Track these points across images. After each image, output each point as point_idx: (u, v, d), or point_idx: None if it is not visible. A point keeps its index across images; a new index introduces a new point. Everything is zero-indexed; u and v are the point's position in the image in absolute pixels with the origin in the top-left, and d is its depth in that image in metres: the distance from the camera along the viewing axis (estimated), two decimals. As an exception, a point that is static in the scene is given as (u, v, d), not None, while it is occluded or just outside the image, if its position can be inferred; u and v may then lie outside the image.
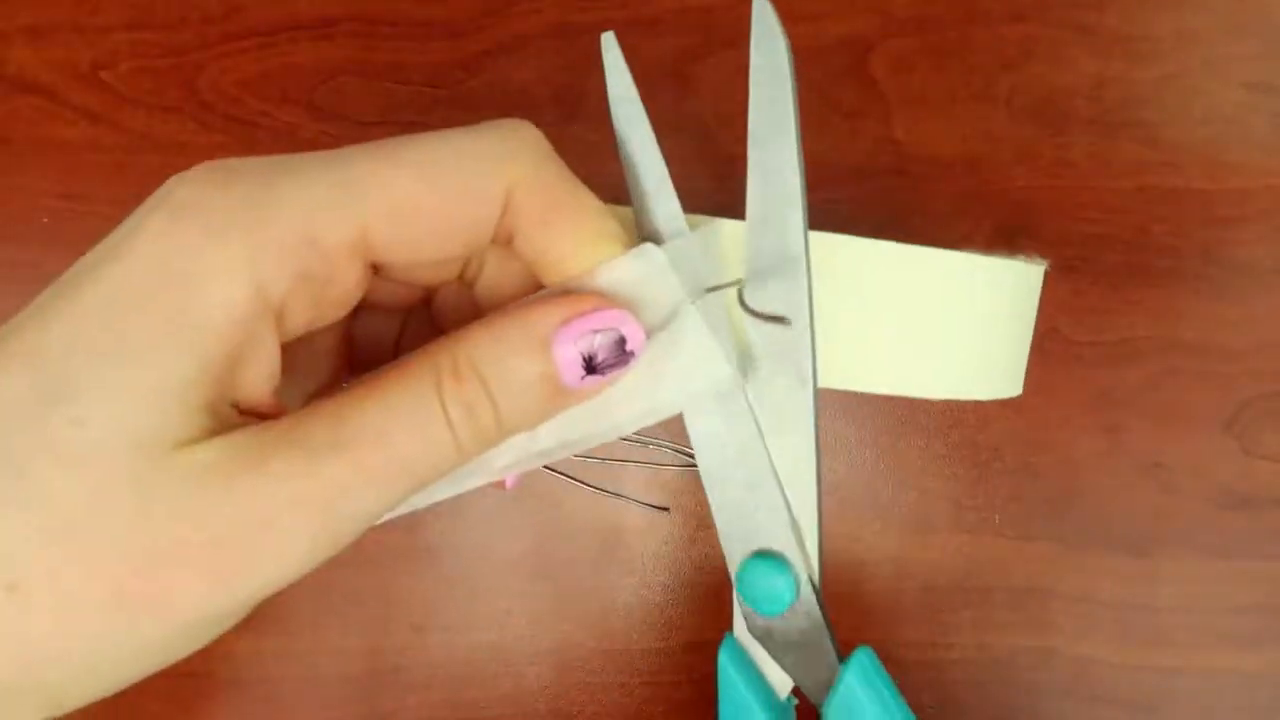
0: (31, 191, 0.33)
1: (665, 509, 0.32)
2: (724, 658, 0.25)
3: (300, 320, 0.18)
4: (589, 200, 0.19)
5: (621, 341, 0.18)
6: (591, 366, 0.18)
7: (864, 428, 0.32)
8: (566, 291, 0.19)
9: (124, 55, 0.33)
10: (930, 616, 0.32)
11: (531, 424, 0.19)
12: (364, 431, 0.17)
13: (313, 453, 0.16)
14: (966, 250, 0.23)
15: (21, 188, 0.33)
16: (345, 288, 0.18)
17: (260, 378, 0.17)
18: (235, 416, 0.17)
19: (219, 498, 0.16)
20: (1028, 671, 0.32)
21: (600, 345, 0.18)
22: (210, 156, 0.34)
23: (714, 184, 0.32)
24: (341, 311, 0.19)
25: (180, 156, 0.33)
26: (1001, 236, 0.32)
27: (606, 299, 0.18)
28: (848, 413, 0.32)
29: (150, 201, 0.17)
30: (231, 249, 0.16)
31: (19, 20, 0.33)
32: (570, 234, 0.18)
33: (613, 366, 0.18)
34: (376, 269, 0.19)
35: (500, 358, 0.18)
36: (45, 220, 0.32)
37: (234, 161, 0.17)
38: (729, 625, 0.32)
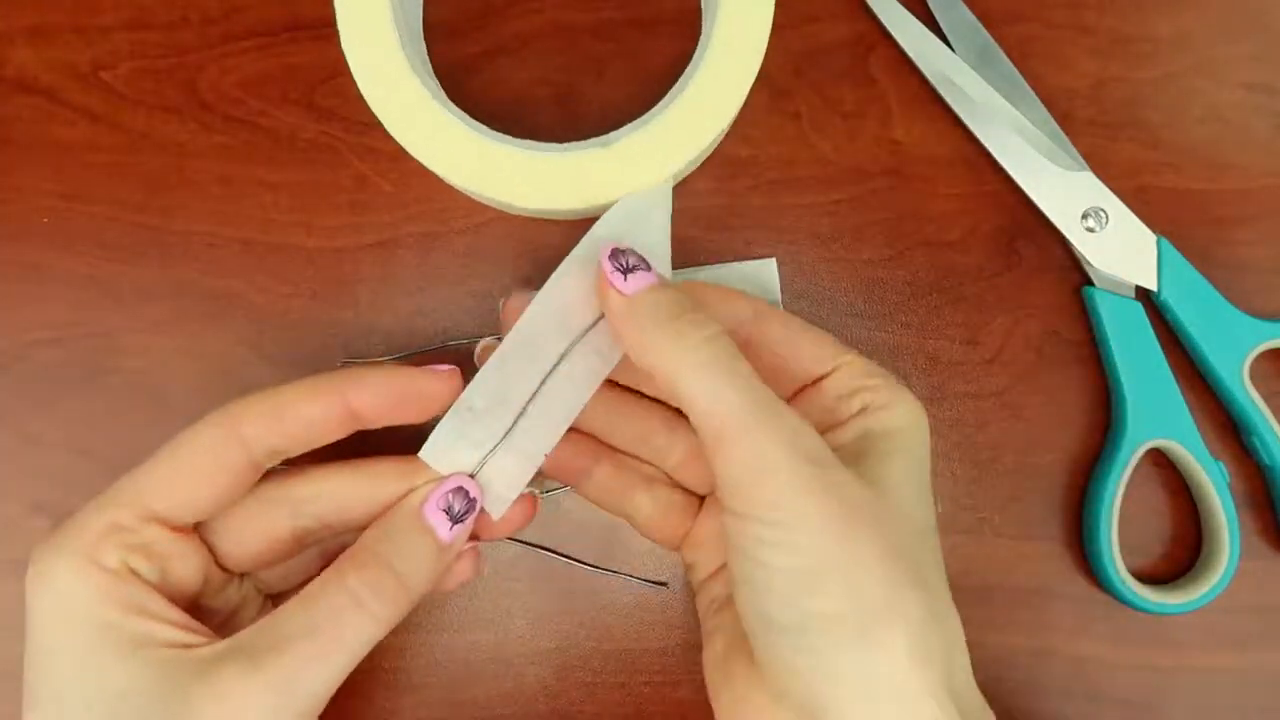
0: (31, 191, 0.33)
1: (664, 584, 0.32)
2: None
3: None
4: None
5: (466, 494, 0.25)
6: (454, 518, 0.25)
7: (864, 428, 0.32)
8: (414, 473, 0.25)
9: (124, 55, 0.33)
10: (930, 616, 0.32)
11: (429, 580, 0.24)
12: (293, 631, 0.22)
13: (255, 659, 0.22)
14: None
15: (21, 188, 0.33)
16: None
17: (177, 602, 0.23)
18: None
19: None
20: (1027, 671, 0.32)
21: (455, 501, 0.25)
22: (210, 157, 0.35)
23: (714, 184, 0.32)
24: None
25: (180, 157, 0.33)
26: (1001, 237, 0.32)
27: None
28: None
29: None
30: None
31: (19, 21, 0.33)
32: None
33: (468, 513, 0.25)
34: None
35: (390, 536, 0.24)
36: (45, 220, 0.32)
37: None
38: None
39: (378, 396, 0.24)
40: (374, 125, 0.32)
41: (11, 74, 0.33)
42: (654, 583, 0.32)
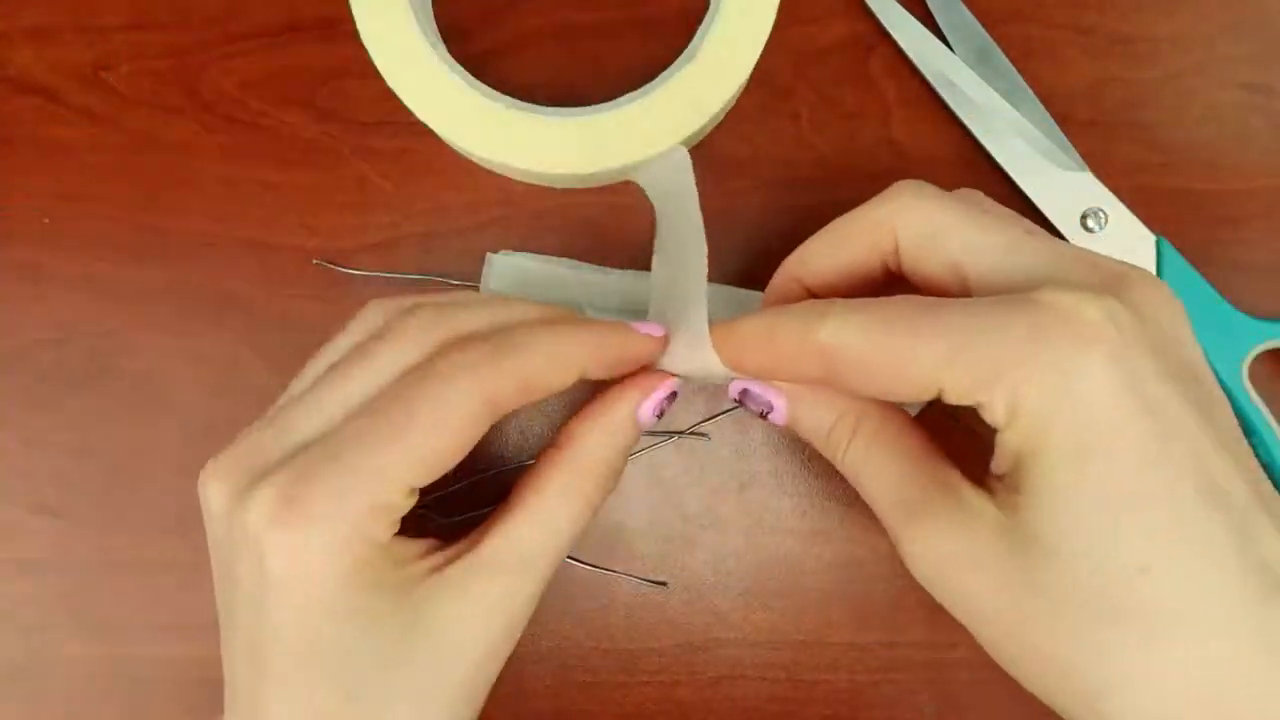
0: (31, 191, 0.33)
1: (663, 584, 0.32)
2: None
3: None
4: None
5: (675, 396, 0.26)
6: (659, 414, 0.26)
7: (864, 428, 0.32)
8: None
9: (125, 56, 0.33)
10: (930, 616, 0.32)
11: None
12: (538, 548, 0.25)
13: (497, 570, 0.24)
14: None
15: (21, 188, 0.33)
16: None
17: None
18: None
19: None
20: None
21: (667, 405, 0.26)
22: (211, 157, 0.35)
23: (713, 185, 0.32)
24: None
25: (181, 157, 0.33)
26: (1001, 237, 0.32)
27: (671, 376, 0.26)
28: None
29: None
30: None
31: (21, 21, 0.33)
32: None
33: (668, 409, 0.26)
34: None
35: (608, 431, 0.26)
36: (45, 221, 0.33)
37: None
38: (729, 626, 0.32)
39: (605, 367, 0.25)
40: (375, 126, 0.33)
41: (12, 74, 0.33)
42: (654, 582, 0.32)
